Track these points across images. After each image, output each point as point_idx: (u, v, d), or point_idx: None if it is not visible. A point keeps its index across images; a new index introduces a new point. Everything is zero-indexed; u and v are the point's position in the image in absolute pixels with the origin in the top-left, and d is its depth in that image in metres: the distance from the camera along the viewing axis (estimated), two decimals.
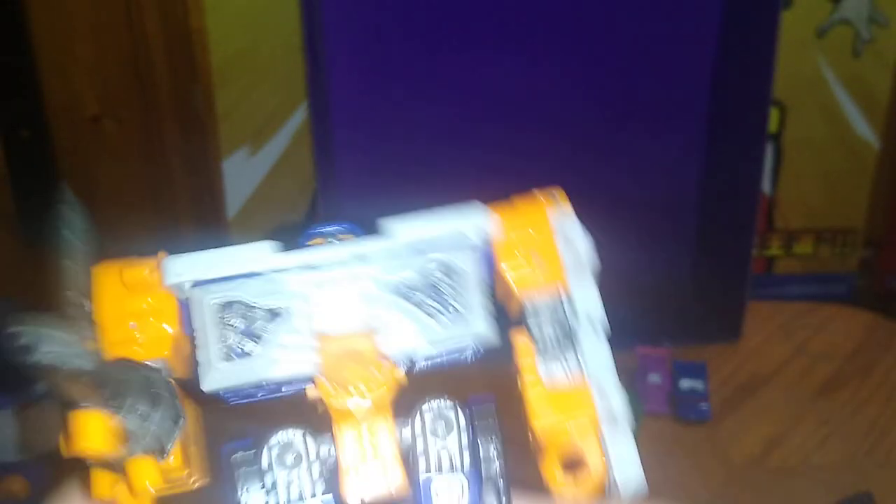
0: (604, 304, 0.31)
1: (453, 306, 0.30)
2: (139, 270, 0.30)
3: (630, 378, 0.96)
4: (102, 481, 0.28)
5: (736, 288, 1.01)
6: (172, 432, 0.28)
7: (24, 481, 1.17)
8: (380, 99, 1.02)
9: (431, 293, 0.30)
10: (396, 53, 1.02)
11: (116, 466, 0.28)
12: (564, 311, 0.30)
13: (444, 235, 0.30)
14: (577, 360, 0.30)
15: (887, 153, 1.29)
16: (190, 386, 0.30)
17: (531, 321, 0.30)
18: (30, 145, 1.17)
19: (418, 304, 0.30)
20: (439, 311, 0.30)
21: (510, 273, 0.31)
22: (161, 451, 0.28)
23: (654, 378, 0.99)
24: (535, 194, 0.32)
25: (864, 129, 1.27)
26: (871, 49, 1.22)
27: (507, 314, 0.32)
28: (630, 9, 1.03)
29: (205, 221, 1.24)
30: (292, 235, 0.31)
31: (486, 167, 0.91)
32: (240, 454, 0.29)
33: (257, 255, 0.30)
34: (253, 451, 0.30)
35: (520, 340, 0.30)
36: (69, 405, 0.26)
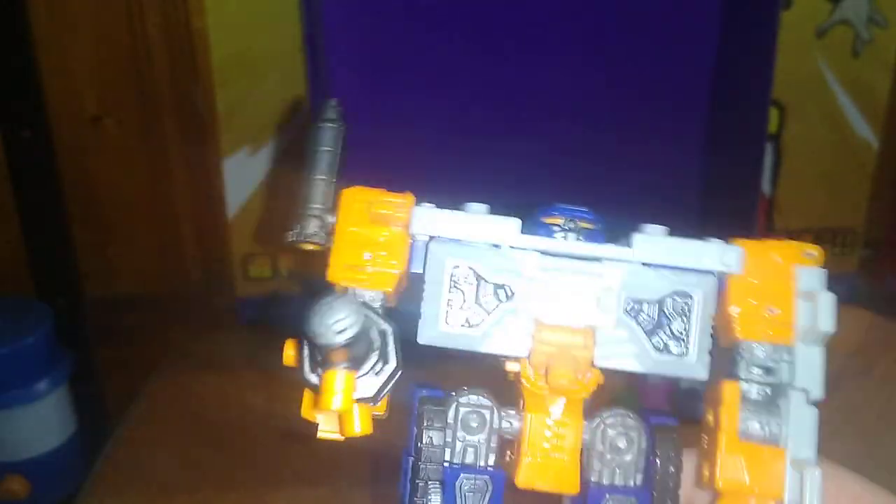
0: None
1: (676, 335, 0.30)
2: (390, 205, 0.30)
3: (630, 377, 0.96)
4: (308, 404, 0.29)
5: None
6: (390, 384, 0.29)
7: (24, 481, 1.17)
8: (380, 99, 1.02)
9: (658, 316, 0.30)
10: (397, 53, 1.02)
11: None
12: (782, 371, 0.30)
13: (686, 263, 0.30)
14: (781, 424, 0.29)
15: (886, 153, 1.29)
16: (395, 315, 0.30)
17: (743, 369, 0.30)
18: (30, 145, 1.17)
19: (642, 324, 0.30)
20: (661, 336, 0.30)
21: (737, 314, 0.30)
22: (376, 399, 0.29)
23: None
24: (790, 242, 0.31)
25: (864, 130, 1.27)
26: (870, 49, 1.22)
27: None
28: (630, 10, 1.03)
29: (205, 221, 1.24)
30: (529, 211, 0.31)
31: (487, 167, 0.91)
32: (429, 401, 0.30)
33: (501, 228, 0.30)
34: (443, 402, 0.30)
35: (728, 387, 0.29)
36: (328, 365, 0.27)
